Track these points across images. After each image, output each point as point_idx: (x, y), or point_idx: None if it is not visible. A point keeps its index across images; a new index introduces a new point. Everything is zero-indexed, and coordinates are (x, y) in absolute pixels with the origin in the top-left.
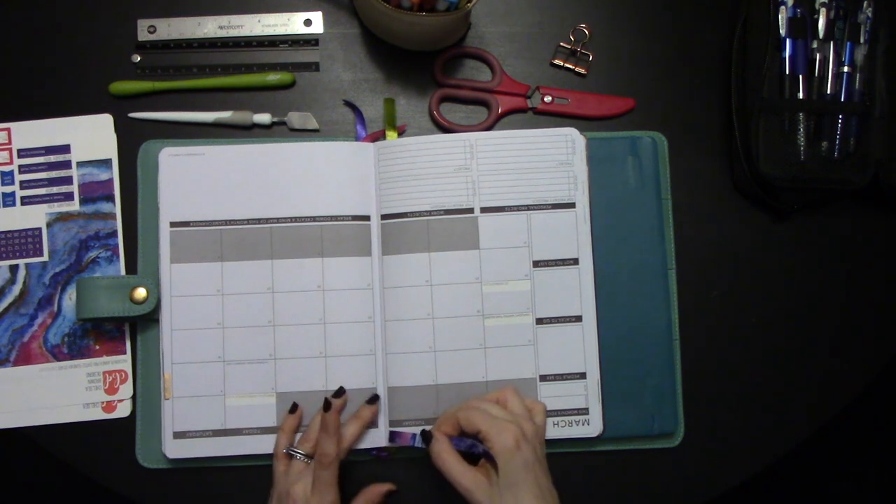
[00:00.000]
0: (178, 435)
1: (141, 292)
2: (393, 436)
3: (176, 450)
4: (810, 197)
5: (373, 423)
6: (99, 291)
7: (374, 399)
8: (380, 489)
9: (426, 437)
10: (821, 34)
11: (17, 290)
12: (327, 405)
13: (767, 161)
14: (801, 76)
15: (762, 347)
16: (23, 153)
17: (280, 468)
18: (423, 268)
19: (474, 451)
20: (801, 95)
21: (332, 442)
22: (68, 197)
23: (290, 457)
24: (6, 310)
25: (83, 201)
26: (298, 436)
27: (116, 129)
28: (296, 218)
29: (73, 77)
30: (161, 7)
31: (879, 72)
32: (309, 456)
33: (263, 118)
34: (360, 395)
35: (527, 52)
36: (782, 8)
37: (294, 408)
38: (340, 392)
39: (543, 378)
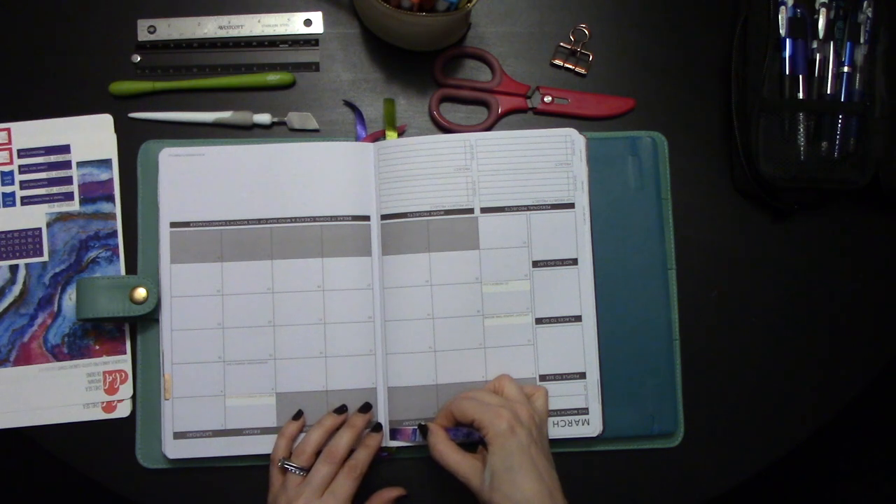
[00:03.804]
0: (179, 435)
1: (141, 292)
2: (394, 433)
3: (176, 450)
4: (810, 197)
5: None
6: (99, 291)
7: (378, 428)
8: (390, 494)
9: (423, 430)
10: (821, 34)
11: (17, 290)
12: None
13: (767, 161)
14: (801, 76)
15: (762, 347)
16: (23, 153)
17: (277, 478)
18: (423, 268)
19: (471, 439)
20: (801, 95)
21: (368, 454)
22: (68, 197)
23: (285, 470)
24: (6, 310)
25: (83, 201)
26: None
27: (116, 129)
28: (296, 218)
29: (73, 77)
30: (161, 7)
31: (879, 72)
32: (304, 469)
33: (263, 118)
34: (360, 396)
35: (527, 52)
36: (782, 8)
37: (299, 415)
38: (343, 409)
39: (543, 378)
